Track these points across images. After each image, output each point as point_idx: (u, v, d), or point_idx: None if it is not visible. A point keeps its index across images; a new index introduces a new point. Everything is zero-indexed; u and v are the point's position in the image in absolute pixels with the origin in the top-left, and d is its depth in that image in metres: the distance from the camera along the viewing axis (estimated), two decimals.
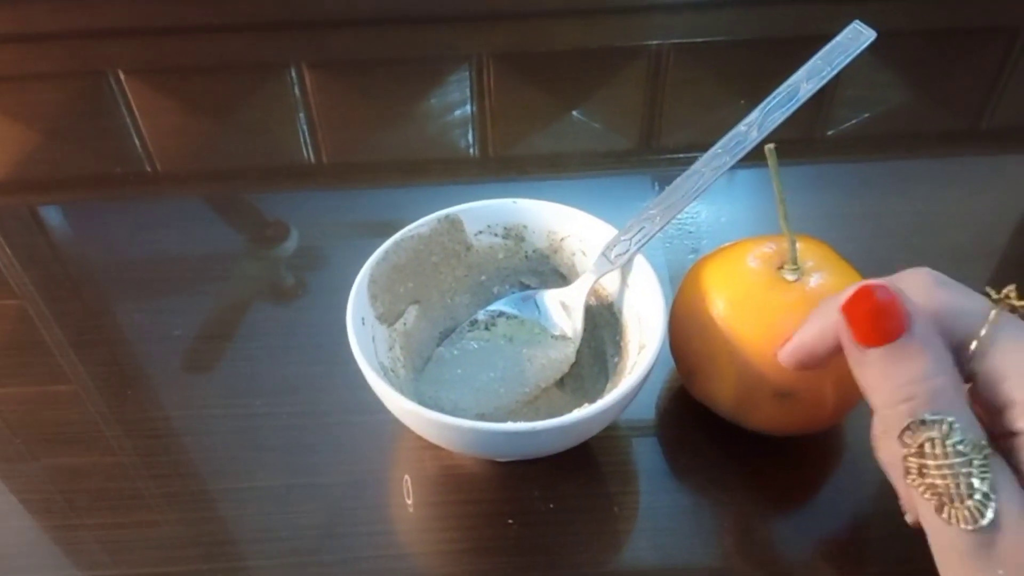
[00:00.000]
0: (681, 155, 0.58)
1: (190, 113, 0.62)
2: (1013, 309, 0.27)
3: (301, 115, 0.61)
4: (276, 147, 0.60)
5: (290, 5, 0.66)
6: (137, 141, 0.59)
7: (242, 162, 0.59)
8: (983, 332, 0.26)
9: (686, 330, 0.36)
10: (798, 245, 0.34)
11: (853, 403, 0.35)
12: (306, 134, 0.60)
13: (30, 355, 0.45)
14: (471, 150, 0.60)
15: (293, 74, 0.63)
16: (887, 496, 0.37)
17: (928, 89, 0.63)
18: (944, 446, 0.24)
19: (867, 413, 0.33)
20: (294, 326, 0.46)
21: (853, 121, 0.60)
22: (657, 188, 0.56)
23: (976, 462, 0.24)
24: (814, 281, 0.34)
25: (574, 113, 0.61)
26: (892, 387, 0.26)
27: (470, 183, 0.58)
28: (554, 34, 0.66)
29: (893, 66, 0.63)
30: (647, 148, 0.60)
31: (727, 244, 0.38)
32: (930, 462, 0.25)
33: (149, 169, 0.58)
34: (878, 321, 0.26)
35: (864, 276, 0.36)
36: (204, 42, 0.65)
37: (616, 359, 0.39)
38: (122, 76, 0.62)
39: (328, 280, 0.49)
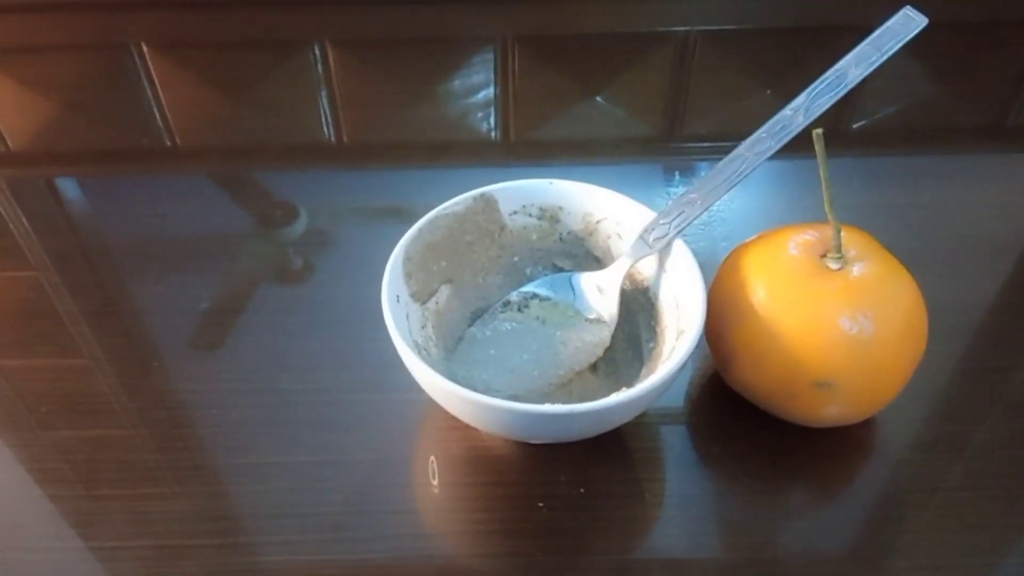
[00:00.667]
0: (704, 144, 0.58)
1: (211, 88, 0.62)
2: None
3: (323, 93, 0.61)
4: (297, 125, 0.59)
5: None
6: (157, 115, 0.59)
7: (262, 139, 0.59)
8: None
9: (724, 316, 0.36)
10: (841, 233, 0.34)
11: (891, 395, 0.35)
12: (327, 112, 0.60)
13: (48, 326, 0.44)
14: (493, 133, 0.59)
15: (316, 51, 0.62)
16: (920, 490, 0.37)
17: (956, 82, 0.62)
18: None
19: (901, 405, 0.33)
20: (321, 303, 0.45)
21: (881, 114, 0.59)
22: (678, 177, 0.55)
23: None
24: (857, 270, 0.34)
25: (598, 98, 0.61)
26: None
27: (491, 166, 0.58)
28: (580, 17, 0.65)
29: (922, 58, 0.62)
30: (670, 136, 0.60)
31: (767, 231, 0.37)
32: None
33: (168, 143, 0.58)
34: None
35: (907, 267, 0.35)
36: (227, 17, 0.64)
37: (651, 344, 0.38)
38: (144, 49, 0.61)
39: (353, 258, 0.48)
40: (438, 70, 0.62)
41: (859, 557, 0.35)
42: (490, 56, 0.63)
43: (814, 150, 0.33)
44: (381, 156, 0.58)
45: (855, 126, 0.59)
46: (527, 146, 0.58)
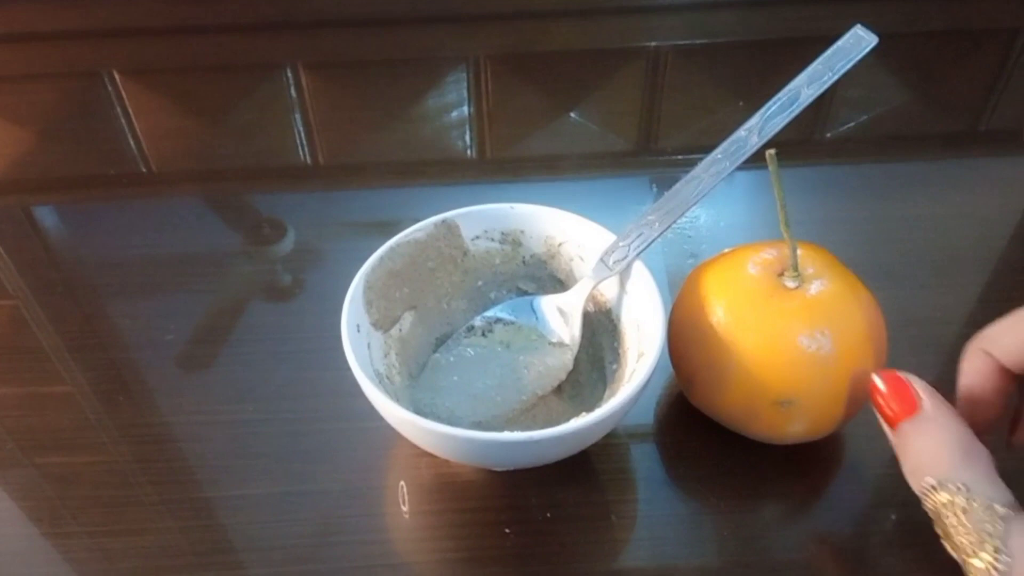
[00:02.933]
0: (679, 157, 0.58)
1: (185, 114, 0.62)
2: None
3: (297, 116, 0.61)
4: (272, 148, 0.60)
5: (286, 6, 0.65)
6: (132, 142, 0.59)
7: (237, 163, 0.59)
8: None
9: (685, 337, 0.36)
10: (799, 251, 0.34)
11: (854, 411, 0.35)
12: (302, 135, 0.60)
13: (22, 357, 0.44)
14: (468, 151, 0.59)
15: (289, 75, 0.62)
16: (886, 504, 0.37)
17: (927, 91, 0.62)
18: (953, 507, 0.27)
19: (866, 421, 0.33)
20: (288, 330, 0.45)
21: (853, 123, 0.60)
22: (655, 190, 0.56)
23: (987, 521, 0.27)
24: (815, 288, 0.34)
25: (572, 115, 0.61)
26: (909, 459, 0.30)
27: (468, 184, 0.58)
28: (551, 35, 0.66)
29: (893, 68, 0.63)
30: (645, 150, 0.60)
31: (726, 250, 0.37)
32: (947, 523, 0.28)
33: (144, 170, 0.58)
34: (892, 405, 0.31)
35: (865, 281, 0.35)
36: (200, 42, 0.65)
37: (614, 366, 0.38)
38: (117, 76, 0.61)
39: (323, 284, 0.48)
40: (412, 91, 0.62)
41: (828, 573, 0.35)
42: (463, 76, 0.63)
43: (770, 170, 0.33)
44: (358, 176, 0.58)
45: (828, 135, 0.59)
46: (503, 164, 0.58)
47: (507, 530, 0.36)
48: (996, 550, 0.26)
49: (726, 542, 0.36)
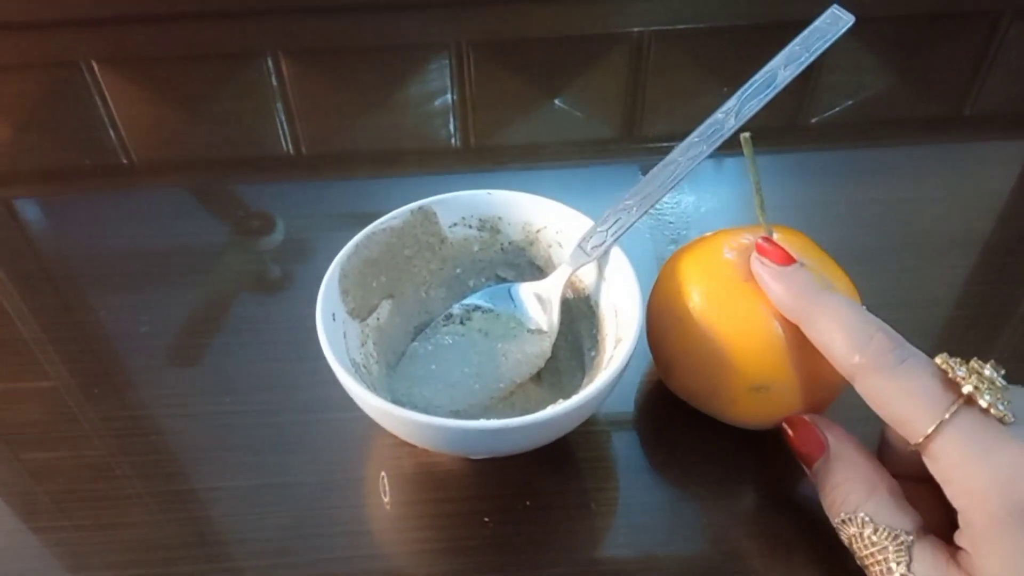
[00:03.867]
0: (663, 143, 0.58)
1: (165, 103, 0.61)
2: (970, 400, 0.28)
3: (278, 104, 0.60)
4: (253, 137, 0.59)
5: None
6: (112, 132, 0.58)
7: (218, 153, 0.58)
8: (931, 430, 0.28)
9: (662, 323, 0.35)
10: (775, 235, 0.34)
11: (831, 396, 0.35)
12: (284, 123, 0.59)
13: (1, 350, 0.44)
14: (452, 139, 0.59)
15: (270, 62, 0.62)
16: None
17: (911, 75, 0.62)
18: (862, 538, 0.30)
19: (844, 406, 0.33)
20: (268, 322, 0.45)
21: (836, 108, 0.59)
22: (640, 177, 0.55)
23: (892, 549, 0.29)
24: None
25: (556, 101, 0.60)
26: (824, 496, 0.32)
27: (452, 173, 0.58)
28: (533, 21, 0.65)
29: (876, 52, 0.62)
30: (629, 136, 0.59)
31: (703, 235, 0.37)
32: (860, 554, 0.30)
33: (124, 160, 0.57)
34: (802, 449, 0.33)
35: (845, 265, 0.35)
36: (179, 31, 0.64)
37: (593, 353, 0.38)
38: (95, 66, 0.61)
39: (304, 274, 0.48)
40: (395, 78, 0.62)
41: (808, 559, 0.35)
42: (445, 63, 0.62)
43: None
44: (342, 166, 0.58)
45: (812, 121, 0.59)
46: (487, 151, 0.58)
47: (487, 519, 0.36)
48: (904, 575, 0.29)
49: (706, 528, 0.36)
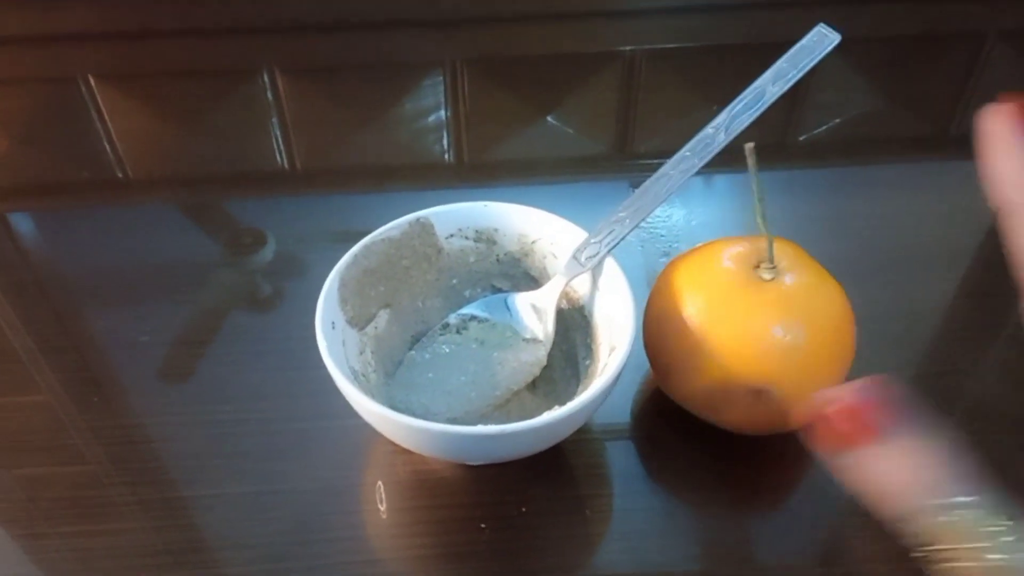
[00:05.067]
0: (654, 160, 0.58)
1: (161, 118, 0.62)
2: None
3: (274, 120, 0.61)
4: (248, 152, 0.60)
5: (262, 9, 0.65)
6: (108, 147, 0.59)
7: (214, 168, 0.59)
8: None
9: (661, 330, 0.36)
10: (774, 245, 0.35)
11: None
12: (279, 139, 0.60)
13: None
14: (446, 155, 0.59)
15: (265, 78, 0.62)
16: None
17: (898, 95, 0.63)
18: (968, 526, 0.24)
19: None
20: (265, 332, 0.46)
21: (824, 127, 0.60)
22: (632, 191, 0.56)
23: (1001, 535, 0.23)
24: (789, 280, 0.34)
25: (548, 118, 0.61)
26: (892, 480, 0.25)
27: (446, 188, 0.58)
28: (526, 40, 0.66)
29: (863, 71, 0.64)
30: (620, 153, 0.60)
31: (700, 245, 0.38)
32: (957, 544, 0.24)
33: (120, 175, 0.58)
34: (856, 429, 0.26)
35: (845, 277, 0.36)
36: (175, 47, 0.65)
37: (587, 362, 0.38)
38: (92, 81, 0.61)
39: (301, 287, 0.48)
40: (389, 95, 0.63)
41: (805, 564, 0.35)
42: (440, 80, 0.63)
43: (748, 165, 0.34)
44: (336, 181, 0.58)
45: (800, 139, 0.60)
46: (481, 167, 0.59)
47: (483, 525, 0.36)
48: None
49: (701, 535, 0.36)
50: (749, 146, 0.33)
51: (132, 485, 0.39)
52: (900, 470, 0.25)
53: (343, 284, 0.37)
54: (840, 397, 0.26)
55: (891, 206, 0.54)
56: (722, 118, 0.36)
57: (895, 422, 0.25)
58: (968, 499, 0.24)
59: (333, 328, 0.36)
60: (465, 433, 0.31)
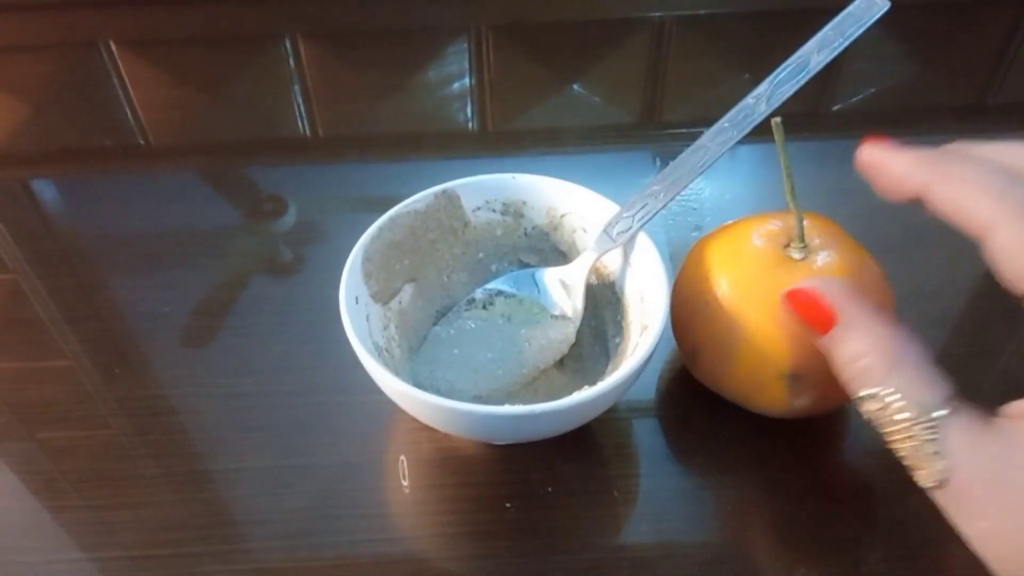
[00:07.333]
0: (683, 130, 0.57)
1: (183, 85, 0.61)
2: None
3: (296, 87, 0.60)
4: (271, 120, 0.59)
5: None
6: (129, 114, 0.58)
7: (236, 135, 0.58)
8: None
9: (689, 310, 0.35)
10: (804, 222, 0.33)
11: None
12: (301, 107, 0.59)
13: (21, 330, 0.44)
14: (470, 124, 0.58)
15: (288, 45, 0.61)
16: (892, 480, 0.36)
17: (934, 63, 0.61)
18: (886, 416, 0.27)
19: None
20: (288, 303, 0.45)
21: (860, 96, 0.59)
22: (659, 163, 0.55)
23: (921, 427, 0.26)
24: (821, 259, 0.33)
25: (575, 86, 0.60)
26: (839, 372, 0.29)
27: (470, 157, 0.57)
28: (553, 5, 0.64)
29: (900, 39, 0.62)
30: (649, 122, 0.59)
31: (730, 222, 0.36)
32: (882, 430, 0.27)
33: (142, 142, 0.57)
34: (811, 317, 0.30)
35: (872, 252, 0.35)
36: (197, 13, 0.64)
37: (618, 340, 0.38)
38: (114, 47, 0.60)
39: (323, 256, 0.48)
40: (412, 62, 0.61)
41: (833, 549, 0.35)
42: (464, 46, 0.62)
43: (776, 139, 0.32)
44: (359, 149, 0.57)
45: (835, 108, 0.58)
46: (506, 136, 0.58)
47: (508, 504, 0.36)
48: (935, 455, 0.26)
49: (729, 517, 0.36)
50: (776, 120, 0.32)
51: (155, 457, 0.38)
52: (849, 358, 0.28)
53: (367, 258, 0.36)
54: (799, 286, 0.30)
55: None
56: (763, 88, 0.35)
57: (846, 314, 0.29)
58: (894, 390, 0.27)
59: (357, 303, 0.35)
60: (492, 413, 0.30)
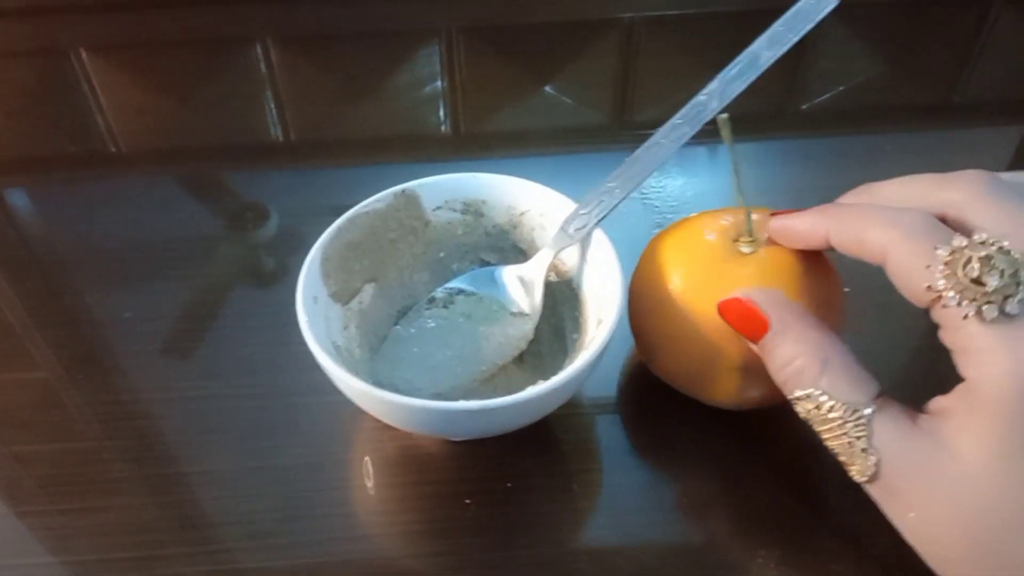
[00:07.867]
0: (653, 130, 0.58)
1: (154, 91, 0.61)
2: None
3: (268, 91, 0.60)
4: (243, 124, 0.59)
5: None
6: (100, 120, 0.58)
7: (208, 140, 0.58)
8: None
9: (644, 306, 0.35)
10: (754, 217, 0.34)
11: None
12: (273, 111, 0.59)
13: None
14: (442, 126, 0.59)
15: (259, 49, 0.62)
16: (841, 469, 0.36)
17: (900, 62, 0.62)
18: (819, 415, 0.29)
19: None
20: (253, 306, 0.45)
21: (827, 95, 0.59)
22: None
23: (851, 424, 0.28)
24: (769, 253, 0.33)
25: (547, 88, 0.60)
26: (774, 375, 0.31)
27: (442, 160, 0.57)
28: (524, 7, 0.65)
29: (866, 39, 0.62)
30: (619, 123, 0.59)
31: (683, 218, 0.37)
32: (816, 429, 0.29)
33: (112, 148, 0.57)
34: (745, 325, 0.31)
35: (827, 253, 0.35)
36: (167, 17, 0.64)
37: (575, 336, 0.38)
38: (83, 54, 0.61)
39: (292, 259, 0.47)
40: (385, 64, 0.62)
41: (790, 540, 0.35)
42: (435, 49, 0.62)
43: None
44: (332, 153, 0.57)
45: (803, 107, 0.59)
46: (479, 138, 0.58)
47: (468, 501, 0.36)
48: (864, 451, 0.28)
49: (688, 510, 0.36)
50: (723, 117, 0.33)
51: (120, 462, 0.38)
52: (782, 362, 0.30)
53: (326, 258, 0.36)
54: (733, 295, 0.32)
55: (893, 175, 0.52)
56: (715, 85, 0.35)
57: (776, 321, 0.31)
58: (824, 390, 0.28)
59: (315, 303, 0.35)
60: (446, 409, 0.31)
